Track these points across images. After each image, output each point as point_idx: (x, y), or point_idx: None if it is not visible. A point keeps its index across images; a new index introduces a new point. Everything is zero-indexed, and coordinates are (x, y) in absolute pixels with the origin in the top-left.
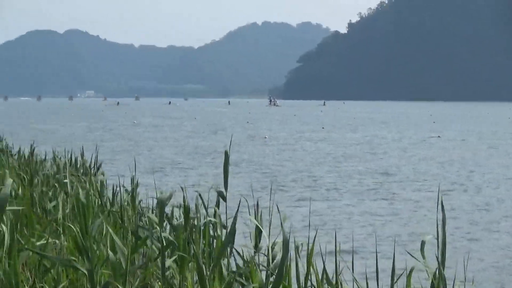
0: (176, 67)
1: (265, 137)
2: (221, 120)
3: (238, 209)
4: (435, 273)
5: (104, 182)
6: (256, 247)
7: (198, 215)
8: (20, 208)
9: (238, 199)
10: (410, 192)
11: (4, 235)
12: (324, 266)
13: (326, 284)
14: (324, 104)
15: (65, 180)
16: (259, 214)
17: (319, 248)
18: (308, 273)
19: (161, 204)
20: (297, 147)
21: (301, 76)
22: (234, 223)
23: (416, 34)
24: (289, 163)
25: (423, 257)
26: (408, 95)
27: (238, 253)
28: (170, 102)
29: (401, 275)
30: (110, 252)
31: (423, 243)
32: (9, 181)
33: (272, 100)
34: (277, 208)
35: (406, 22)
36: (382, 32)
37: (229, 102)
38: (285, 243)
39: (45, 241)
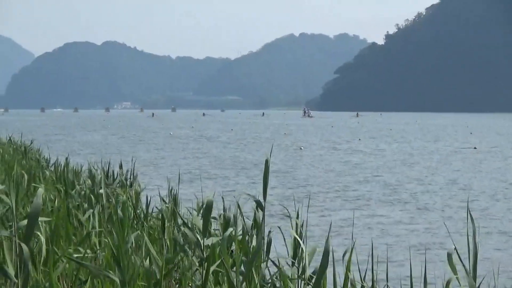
0: (213, 78)
1: (301, 148)
2: (258, 131)
3: (272, 219)
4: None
5: (140, 194)
6: (294, 257)
7: (236, 225)
8: (55, 220)
9: (275, 209)
10: (443, 203)
11: (41, 247)
12: (360, 275)
13: None
14: (357, 116)
15: (101, 191)
16: (297, 225)
17: (354, 257)
18: (346, 282)
19: (205, 214)
20: (333, 158)
21: (338, 87)
22: (259, 234)
23: (453, 45)
24: (324, 174)
25: (452, 267)
26: (446, 106)
27: (274, 263)
28: (204, 114)
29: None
30: (145, 264)
31: (449, 255)
32: (40, 190)
33: (306, 111)
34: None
35: (443, 33)
36: (420, 43)
37: (263, 113)
38: (326, 253)
39: (81, 253)
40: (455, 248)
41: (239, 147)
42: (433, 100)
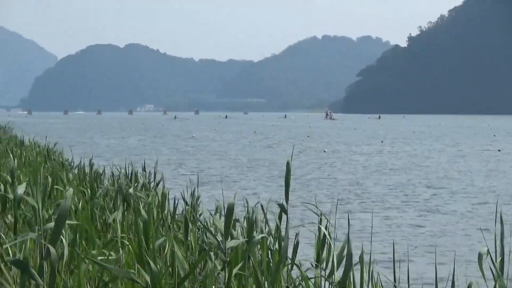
0: (236, 81)
1: (324, 151)
2: (281, 133)
3: (296, 221)
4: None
5: (164, 196)
6: (318, 259)
7: (258, 227)
8: (79, 223)
9: (299, 211)
10: (466, 205)
11: (64, 249)
12: (378, 275)
13: None
14: (379, 118)
15: (126, 193)
16: (324, 227)
17: (376, 257)
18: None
19: (227, 217)
20: (356, 160)
21: (361, 90)
22: (286, 236)
23: (477, 47)
24: (348, 176)
25: (481, 270)
26: (469, 108)
27: (297, 266)
28: (226, 116)
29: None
30: (170, 266)
31: (480, 256)
32: (70, 191)
33: (329, 114)
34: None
35: (466, 36)
36: (442, 45)
37: (285, 116)
38: (349, 255)
39: (106, 255)
40: (488, 250)
41: (262, 149)
42: (456, 102)
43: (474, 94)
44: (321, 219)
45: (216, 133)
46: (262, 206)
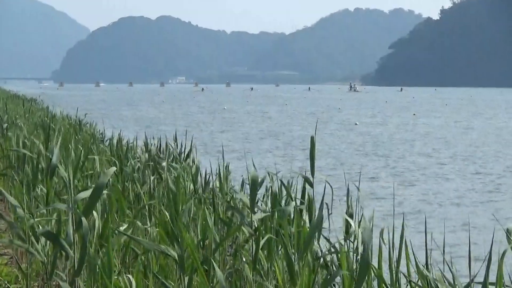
0: (268, 53)
1: (356, 124)
2: (312, 106)
3: (324, 195)
4: None
5: (195, 168)
6: (347, 232)
7: (285, 200)
8: (110, 193)
9: (325, 185)
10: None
11: (95, 221)
12: (413, 253)
13: (416, 271)
14: (401, 90)
15: (158, 165)
16: (349, 200)
17: (408, 234)
18: (399, 259)
19: (253, 189)
20: (388, 134)
21: (393, 62)
22: (321, 209)
23: (510, 19)
24: (379, 149)
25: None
26: (504, 81)
27: (326, 239)
28: (252, 88)
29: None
30: (200, 238)
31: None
32: (112, 169)
33: (353, 86)
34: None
35: (500, 8)
36: (475, 18)
37: (309, 88)
38: (367, 230)
39: (137, 226)
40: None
41: (291, 122)
42: (489, 75)
43: (508, 67)
44: (348, 193)
45: (248, 106)
46: (288, 180)
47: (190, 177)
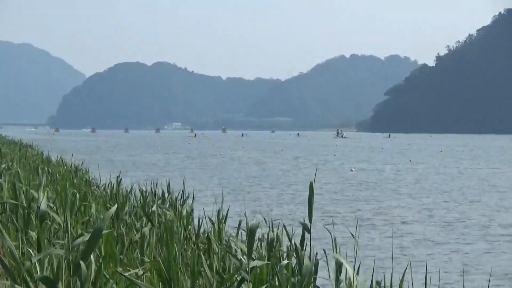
0: (263, 99)
1: (351, 170)
2: (306, 152)
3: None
4: None
5: (190, 214)
6: (337, 280)
7: (281, 247)
8: (106, 239)
9: (322, 231)
10: (494, 223)
11: (89, 265)
12: None
13: None
14: (389, 137)
15: (152, 210)
16: (338, 248)
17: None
18: None
19: (250, 236)
20: (384, 180)
21: (389, 109)
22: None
23: (506, 67)
24: (376, 194)
25: None
26: (498, 128)
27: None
28: (242, 134)
29: None
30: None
31: None
32: (111, 210)
33: (339, 133)
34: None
35: (495, 55)
36: (471, 65)
37: (298, 134)
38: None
39: (131, 272)
40: None
41: (287, 167)
42: (485, 122)
43: (504, 114)
44: (335, 242)
45: (244, 151)
46: (284, 226)
47: (184, 222)
